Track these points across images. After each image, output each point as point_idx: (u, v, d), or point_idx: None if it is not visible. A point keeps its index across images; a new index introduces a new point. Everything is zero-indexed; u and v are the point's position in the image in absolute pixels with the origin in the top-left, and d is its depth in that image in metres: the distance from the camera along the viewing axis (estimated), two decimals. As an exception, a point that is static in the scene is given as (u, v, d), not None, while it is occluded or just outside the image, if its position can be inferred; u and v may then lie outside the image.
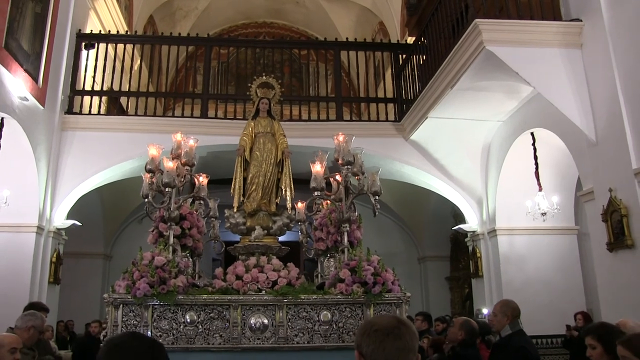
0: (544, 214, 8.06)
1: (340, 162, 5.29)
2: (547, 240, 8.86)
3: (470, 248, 9.89)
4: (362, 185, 5.24)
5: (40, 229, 8.26)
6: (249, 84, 6.75)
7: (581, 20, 6.79)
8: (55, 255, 8.68)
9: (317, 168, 5.21)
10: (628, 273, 6.03)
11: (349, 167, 5.24)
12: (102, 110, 10.25)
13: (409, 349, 1.70)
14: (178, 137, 5.54)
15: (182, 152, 5.43)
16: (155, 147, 5.32)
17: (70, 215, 9.02)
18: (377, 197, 5.13)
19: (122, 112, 10.51)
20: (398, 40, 11.65)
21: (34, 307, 5.60)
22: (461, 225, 9.95)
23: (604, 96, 6.41)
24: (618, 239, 6.15)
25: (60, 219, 8.80)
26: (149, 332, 4.74)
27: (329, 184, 5.60)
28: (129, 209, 12.10)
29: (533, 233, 8.82)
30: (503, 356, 4.29)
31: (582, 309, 8.14)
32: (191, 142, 5.53)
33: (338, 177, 5.38)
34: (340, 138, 5.34)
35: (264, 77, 6.72)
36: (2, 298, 7.45)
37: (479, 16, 6.77)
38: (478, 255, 9.52)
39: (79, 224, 9.09)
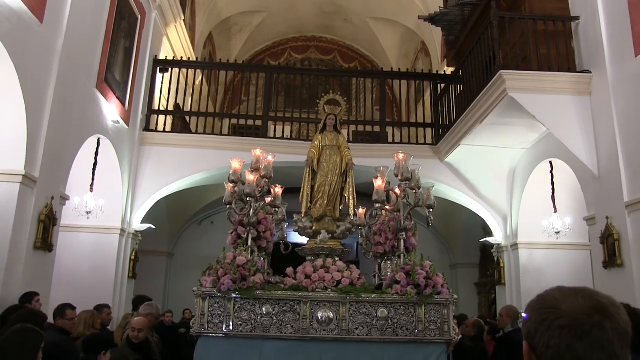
0: (557, 232, 8.60)
1: (399, 178, 5.42)
2: (563, 255, 9.23)
3: (496, 258, 10.29)
4: (418, 199, 5.41)
5: (122, 231, 8.97)
6: (317, 101, 7.00)
7: (590, 72, 7.27)
8: (133, 254, 9.42)
9: (379, 183, 5.31)
10: (618, 287, 6.51)
11: (407, 182, 5.38)
12: (168, 126, 10.90)
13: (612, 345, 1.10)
14: (257, 152, 5.77)
15: (262, 166, 5.65)
16: (238, 161, 5.63)
17: (143, 219, 9.70)
18: (432, 210, 5.37)
19: (185, 125, 11.14)
20: (437, 70, 12.02)
21: (143, 299, 6.19)
22: (488, 238, 10.34)
23: (606, 138, 6.93)
24: (611, 259, 6.71)
25: (137, 223, 9.51)
26: (231, 322, 5.06)
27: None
28: (189, 213, 12.78)
29: (550, 248, 9.20)
30: (505, 347, 5.56)
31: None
32: (269, 157, 5.76)
33: (397, 190, 5.53)
34: (400, 156, 5.44)
35: (331, 95, 6.89)
36: (92, 289, 8.17)
37: (504, 66, 7.35)
38: (502, 265, 9.94)
39: (153, 227, 9.76)
